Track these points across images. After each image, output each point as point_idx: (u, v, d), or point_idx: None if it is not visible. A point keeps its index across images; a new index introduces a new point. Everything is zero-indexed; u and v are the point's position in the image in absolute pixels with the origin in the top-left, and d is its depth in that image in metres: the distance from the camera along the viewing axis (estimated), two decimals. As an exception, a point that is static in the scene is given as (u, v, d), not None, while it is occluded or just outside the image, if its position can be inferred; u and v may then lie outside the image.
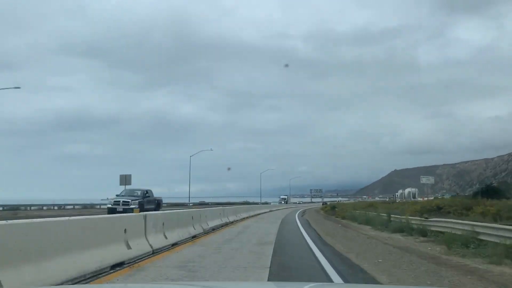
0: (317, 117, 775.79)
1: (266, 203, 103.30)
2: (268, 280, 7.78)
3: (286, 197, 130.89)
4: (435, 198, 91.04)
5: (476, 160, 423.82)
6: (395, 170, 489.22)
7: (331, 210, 55.56)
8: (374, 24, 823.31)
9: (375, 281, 7.92)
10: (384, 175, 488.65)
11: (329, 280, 8.02)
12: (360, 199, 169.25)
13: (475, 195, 44.50)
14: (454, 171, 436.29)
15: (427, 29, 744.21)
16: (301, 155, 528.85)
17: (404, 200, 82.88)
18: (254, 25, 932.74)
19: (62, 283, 6.71)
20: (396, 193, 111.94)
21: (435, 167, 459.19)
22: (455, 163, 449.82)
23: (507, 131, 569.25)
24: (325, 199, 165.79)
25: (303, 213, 49.77)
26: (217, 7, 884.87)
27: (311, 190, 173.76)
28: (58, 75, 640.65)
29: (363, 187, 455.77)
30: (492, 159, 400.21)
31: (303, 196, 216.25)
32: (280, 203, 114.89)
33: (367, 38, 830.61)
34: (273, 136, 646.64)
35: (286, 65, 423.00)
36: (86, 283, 7.26)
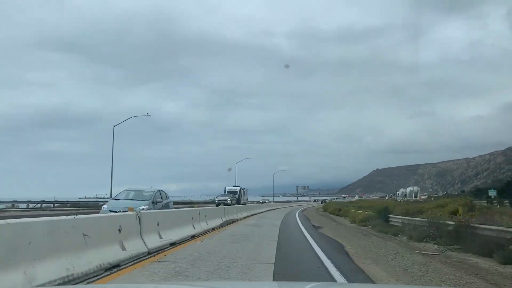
0: (300, 116, 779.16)
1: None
2: None
3: (267, 200, 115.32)
4: (428, 197, 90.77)
5: (458, 160, 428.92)
6: (377, 169, 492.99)
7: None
8: (359, 23, 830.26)
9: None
10: (365, 174, 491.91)
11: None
12: (358, 198, 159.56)
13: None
14: (436, 171, 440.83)
15: (411, 28, 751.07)
16: (283, 154, 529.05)
17: (405, 199, 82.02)
18: (238, 23, 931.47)
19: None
20: (398, 192, 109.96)
21: (417, 166, 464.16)
22: (437, 163, 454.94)
23: (488, 131, 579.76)
24: (314, 198, 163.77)
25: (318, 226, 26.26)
26: (201, 3, 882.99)
27: (297, 187, 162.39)
28: (36, 70, 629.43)
29: (344, 186, 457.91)
30: (474, 158, 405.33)
31: (285, 195, 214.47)
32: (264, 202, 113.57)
33: (351, 37, 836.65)
34: (256, 135, 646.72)
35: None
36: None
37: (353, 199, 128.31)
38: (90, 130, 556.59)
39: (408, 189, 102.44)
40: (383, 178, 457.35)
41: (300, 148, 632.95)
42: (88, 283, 6.87)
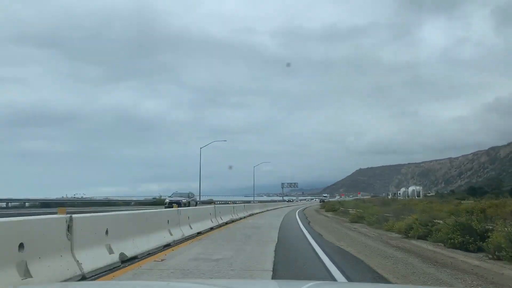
0: (283, 115, 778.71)
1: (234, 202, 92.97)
2: None
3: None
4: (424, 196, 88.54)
5: (441, 160, 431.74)
6: (360, 169, 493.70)
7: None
8: (343, 22, 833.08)
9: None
10: (349, 174, 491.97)
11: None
12: (354, 197, 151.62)
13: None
14: (419, 170, 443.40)
15: (395, 27, 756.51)
16: (266, 154, 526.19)
17: (407, 199, 79.80)
18: (221, 20, 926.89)
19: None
20: (399, 191, 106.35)
21: (400, 166, 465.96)
22: (420, 162, 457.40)
23: (470, 131, 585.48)
24: (301, 197, 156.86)
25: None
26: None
27: (283, 184, 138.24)
28: (10, 66, 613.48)
29: (328, 186, 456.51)
30: (457, 158, 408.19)
31: (269, 195, 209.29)
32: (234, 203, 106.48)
33: (335, 35, 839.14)
34: (239, 134, 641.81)
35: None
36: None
37: (345, 199, 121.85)
38: (69, 128, 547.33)
39: (410, 188, 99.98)
40: (366, 178, 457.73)
41: (283, 148, 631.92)
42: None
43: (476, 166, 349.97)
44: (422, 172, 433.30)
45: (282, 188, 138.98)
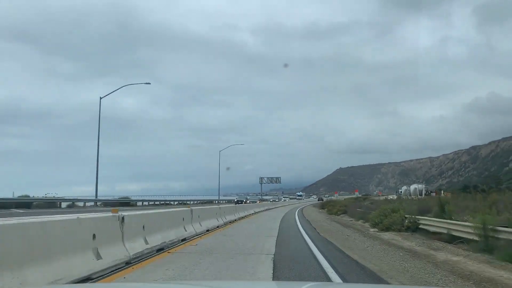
0: (264, 114, 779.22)
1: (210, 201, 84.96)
2: None
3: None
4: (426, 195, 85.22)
5: (421, 159, 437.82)
6: (340, 168, 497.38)
7: None
8: (324, 20, 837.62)
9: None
10: (329, 173, 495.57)
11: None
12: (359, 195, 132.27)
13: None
14: (399, 170, 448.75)
15: (376, 26, 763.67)
16: (246, 153, 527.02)
17: (410, 197, 78.54)
18: (201, 15, 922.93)
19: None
20: (400, 190, 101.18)
21: (380, 165, 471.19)
22: (400, 162, 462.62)
23: (451, 131, 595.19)
24: (284, 197, 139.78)
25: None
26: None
27: (261, 178, 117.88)
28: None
29: (308, 185, 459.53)
30: (437, 157, 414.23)
31: (248, 194, 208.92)
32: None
33: (316, 33, 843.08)
34: (219, 133, 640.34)
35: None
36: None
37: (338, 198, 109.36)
38: (44, 126, 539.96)
39: (412, 186, 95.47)
40: (346, 177, 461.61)
41: (264, 147, 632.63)
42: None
43: (457, 166, 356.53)
44: (403, 171, 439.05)
45: (261, 184, 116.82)
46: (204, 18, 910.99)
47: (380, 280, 7.96)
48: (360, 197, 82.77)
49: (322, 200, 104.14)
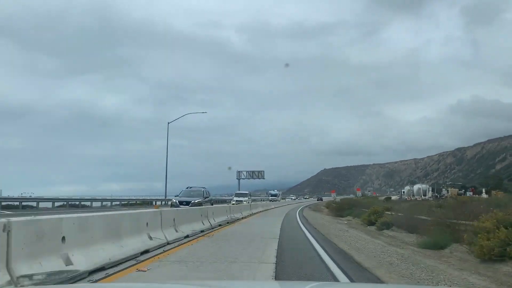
0: (248, 114, 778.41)
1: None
2: None
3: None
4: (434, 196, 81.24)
5: (406, 160, 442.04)
6: (325, 169, 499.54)
7: None
8: (310, 19, 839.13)
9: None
10: (313, 174, 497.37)
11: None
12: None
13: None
14: (384, 171, 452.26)
15: (362, 26, 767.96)
16: (230, 154, 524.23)
17: (413, 198, 75.69)
18: (186, 12, 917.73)
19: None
20: (402, 190, 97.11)
21: (365, 166, 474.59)
22: (384, 163, 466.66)
23: (434, 133, 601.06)
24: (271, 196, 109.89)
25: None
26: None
27: (239, 173, 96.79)
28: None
29: (292, 186, 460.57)
30: (422, 159, 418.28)
31: (222, 195, 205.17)
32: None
33: (302, 33, 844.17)
34: (203, 133, 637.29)
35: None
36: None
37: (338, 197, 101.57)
38: (24, 124, 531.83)
39: (416, 186, 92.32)
40: (331, 178, 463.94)
41: (248, 148, 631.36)
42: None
43: (442, 167, 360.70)
44: (387, 173, 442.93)
45: (239, 180, 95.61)
46: (188, 15, 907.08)
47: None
48: (359, 197, 73.12)
49: (321, 200, 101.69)
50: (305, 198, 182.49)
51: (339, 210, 41.55)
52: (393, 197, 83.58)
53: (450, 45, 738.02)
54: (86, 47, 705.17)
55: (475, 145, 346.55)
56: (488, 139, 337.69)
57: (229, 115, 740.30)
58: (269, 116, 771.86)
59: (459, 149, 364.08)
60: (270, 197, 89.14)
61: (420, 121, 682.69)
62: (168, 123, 50.69)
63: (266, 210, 47.20)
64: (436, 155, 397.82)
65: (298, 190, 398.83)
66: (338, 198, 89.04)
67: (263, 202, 68.62)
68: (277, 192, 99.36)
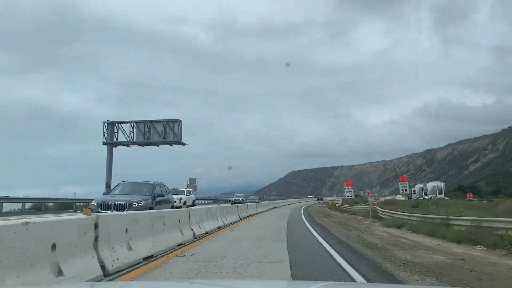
0: (215, 116, 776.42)
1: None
2: None
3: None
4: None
5: (374, 162, 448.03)
6: (293, 171, 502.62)
7: None
8: (279, 18, 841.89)
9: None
10: (281, 176, 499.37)
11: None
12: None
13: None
14: (352, 173, 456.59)
15: (330, 27, 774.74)
16: (196, 156, 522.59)
17: (427, 197, 72.09)
18: (149, 6, 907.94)
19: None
20: (413, 188, 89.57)
21: (333, 168, 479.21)
22: (353, 165, 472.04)
23: (401, 136, 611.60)
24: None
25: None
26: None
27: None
28: None
29: (260, 189, 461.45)
30: (391, 161, 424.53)
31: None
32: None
33: (271, 32, 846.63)
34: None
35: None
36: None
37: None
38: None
39: (430, 184, 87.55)
40: (299, 180, 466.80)
41: (214, 150, 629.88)
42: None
43: (412, 169, 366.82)
44: (356, 175, 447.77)
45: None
46: (151, 9, 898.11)
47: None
48: (350, 199, 57.45)
49: (321, 199, 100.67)
50: (309, 197, 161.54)
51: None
52: (398, 197, 73.58)
53: (418, 48, 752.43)
54: (41, 41, 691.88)
55: (445, 146, 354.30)
56: (458, 141, 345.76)
57: (195, 115, 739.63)
58: (236, 117, 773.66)
59: (429, 151, 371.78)
60: (232, 200, 66.17)
61: (387, 123, 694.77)
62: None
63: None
64: (405, 156, 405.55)
65: (265, 192, 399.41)
66: (340, 199, 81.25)
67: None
68: (242, 194, 72.32)
